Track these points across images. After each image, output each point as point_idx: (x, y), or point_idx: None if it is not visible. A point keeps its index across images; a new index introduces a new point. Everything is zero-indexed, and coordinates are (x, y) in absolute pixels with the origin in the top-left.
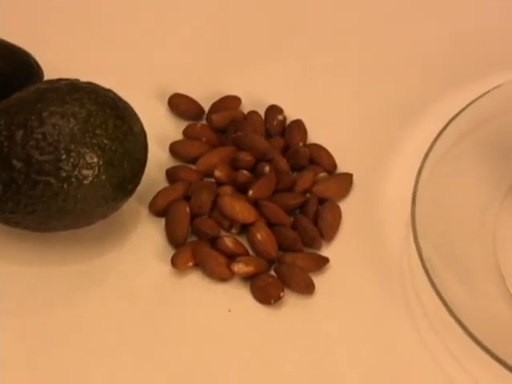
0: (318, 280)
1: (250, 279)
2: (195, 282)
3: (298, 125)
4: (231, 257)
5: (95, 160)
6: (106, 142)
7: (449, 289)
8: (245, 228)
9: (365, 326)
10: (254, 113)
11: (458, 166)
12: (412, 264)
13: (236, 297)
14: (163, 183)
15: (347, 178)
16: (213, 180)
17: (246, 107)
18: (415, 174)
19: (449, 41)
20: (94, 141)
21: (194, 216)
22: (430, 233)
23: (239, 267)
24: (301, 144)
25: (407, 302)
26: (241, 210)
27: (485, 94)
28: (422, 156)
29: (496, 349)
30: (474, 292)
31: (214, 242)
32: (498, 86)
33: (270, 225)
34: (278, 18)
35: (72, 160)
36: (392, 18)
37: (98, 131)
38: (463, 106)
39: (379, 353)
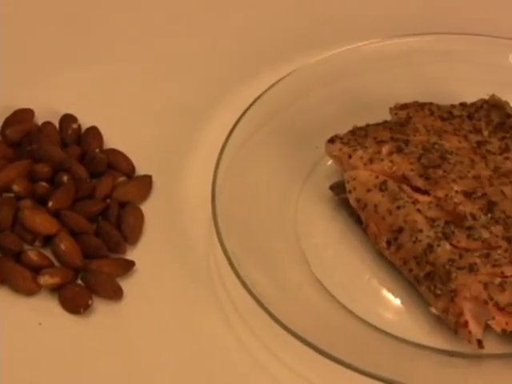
0: (126, 284)
1: (57, 290)
2: (3, 299)
3: (94, 132)
4: (37, 270)
5: None
6: None
7: (256, 281)
8: (48, 240)
9: (176, 326)
10: (48, 124)
11: (255, 158)
12: (218, 260)
13: (45, 309)
14: None
15: (146, 180)
16: (12, 195)
17: (39, 119)
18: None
19: (236, 32)
20: None
21: None
22: (232, 227)
23: (45, 279)
24: (97, 150)
25: (217, 298)
26: (42, 222)
27: (276, 82)
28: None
29: (306, 334)
30: (280, 281)
31: (18, 256)
32: (289, 75)
33: (74, 234)
34: (65, 29)
35: None
36: (176, 17)
37: None
38: (255, 96)
39: (193, 352)
